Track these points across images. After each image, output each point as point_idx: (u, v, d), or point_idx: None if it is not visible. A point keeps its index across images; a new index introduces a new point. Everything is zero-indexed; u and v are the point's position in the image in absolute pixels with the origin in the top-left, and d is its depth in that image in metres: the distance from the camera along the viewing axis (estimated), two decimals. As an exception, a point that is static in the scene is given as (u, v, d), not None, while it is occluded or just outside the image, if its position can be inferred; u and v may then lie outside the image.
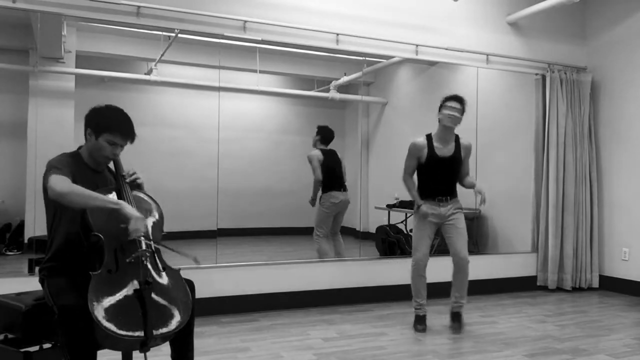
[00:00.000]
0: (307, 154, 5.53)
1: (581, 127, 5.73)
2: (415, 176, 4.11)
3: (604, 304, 5.13)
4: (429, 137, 4.04)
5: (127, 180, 2.52)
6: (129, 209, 2.30)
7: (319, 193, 5.44)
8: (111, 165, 2.58)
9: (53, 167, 2.32)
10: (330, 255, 5.34)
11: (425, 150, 3.99)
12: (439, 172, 4.01)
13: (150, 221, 2.47)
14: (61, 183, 2.22)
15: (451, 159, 3.99)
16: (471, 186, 4.07)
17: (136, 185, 2.58)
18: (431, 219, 4.00)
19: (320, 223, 5.44)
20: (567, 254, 5.58)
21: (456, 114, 3.92)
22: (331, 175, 5.50)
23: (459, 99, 3.98)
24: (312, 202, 5.45)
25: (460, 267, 3.98)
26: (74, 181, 2.34)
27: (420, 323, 4.09)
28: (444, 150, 3.99)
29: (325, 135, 5.62)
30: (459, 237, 3.97)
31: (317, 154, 5.50)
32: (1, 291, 2.69)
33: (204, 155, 5.04)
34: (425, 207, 3.98)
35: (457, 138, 4.06)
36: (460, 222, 4.01)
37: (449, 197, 4.02)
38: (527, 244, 5.81)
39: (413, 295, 4.12)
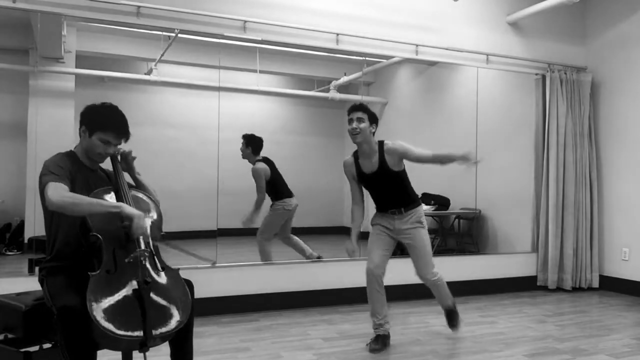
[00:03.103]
0: (253, 168, 5.33)
1: (581, 127, 5.73)
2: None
3: (604, 304, 5.13)
4: (355, 153, 3.66)
5: (119, 159, 2.54)
6: (129, 209, 2.30)
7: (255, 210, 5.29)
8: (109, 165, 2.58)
9: (50, 172, 2.29)
10: (272, 256, 5.23)
11: (354, 169, 3.65)
12: (376, 188, 3.65)
13: (148, 221, 2.47)
14: (58, 195, 2.19)
15: (378, 174, 3.56)
16: (451, 159, 3.50)
17: (129, 161, 2.59)
18: (385, 232, 3.67)
19: (267, 228, 5.31)
20: (567, 254, 5.58)
21: (354, 126, 3.49)
22: (281, 183, 5.38)
23: (357, 107, 3.55)
24: (249, 222, 5.23)
25: (429, 285, 3.75)
26: (73, 182, 2.33)
27: (375, 342, 3.61)
28: (369, 165, 3.58)
29: (257, 145, 5.40)
30: (418, 258, 3.65)
31: (263, 168, 5.27)
32: (1, 291, 2.69)
33: (204, 155, 5.04)
34: (350, 245, 3.63)
35: (380, 147, 3.56)
36: (418, 240, 3.62)
37: (402, 209, 3.61)
38: (527, 244, 5.81)
39: (370, 313, 3.70)
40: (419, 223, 3.64)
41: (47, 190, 2.22)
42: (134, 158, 2.61)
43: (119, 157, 2.56)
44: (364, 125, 3.50)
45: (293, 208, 5.41)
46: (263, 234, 5.30)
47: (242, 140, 5.42)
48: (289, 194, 5.42)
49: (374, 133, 3.59)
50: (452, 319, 3.91)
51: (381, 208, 3.70)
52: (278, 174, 5.42)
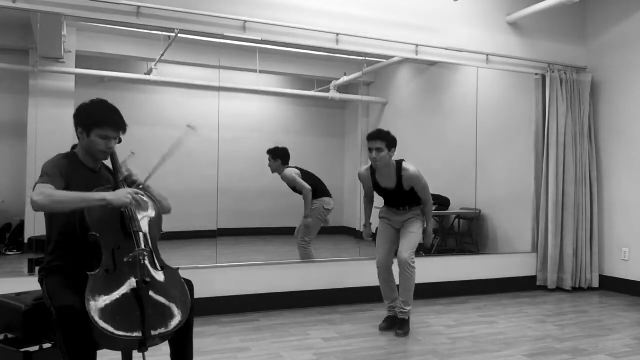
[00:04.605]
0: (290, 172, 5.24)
1: (581, 127, 5.73)
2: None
3: (604, 304, 5.13)
4: (371, 167, 4.00)
5: (121, 179, 2.46)
6: (110, 195, 2.25)
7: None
8: (109, 163, 2.56)
9: (43, 174, 2.28)
10: (314, 256, 5.16)
11: (370, 181, 4.03)
12: (390, 197, 4.05)
13: (147, 220, 2.46)
14: (39, 194, 2.15)
15: (396, 190, 3.95)
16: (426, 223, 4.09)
17: (133, 183, 2.50)
18: (390, 224, 4.10)
19: (310, 231, 5.18)
20: (567, 253, 5.58)
21: (374, 156, 3.79)
22: (318, 182, 5.29)
23: (376, 135, 3.80)
24: (308, 218, 5.13)
25: (401, 268, 3.91)
26: (68, 184, 2.31)
27: (385, 322, 4.10)
28: (386, 181, 3.96)
29: (284, 155, 5.28)
30: (405, 239, 3.96)
31: (291, 170, 5.22)
32: (1, 291, 2.69)
33: (204, 155, 5.04)
34: (366, 231, 4.27)
35: (399, 168, 3.89)
36: (413, 227, 3.99)
37: (407, 207, 4.04)
38: (527, 244, 5.81)
39: (383, 296, 4.14)
40: (418, 215, 4.08)
41: (33, 192, 2.19)
42: (137, 183, 2.51)
43: (121, 178, 2.48)
44: (383, 154, 3.80)
45: (332, 208, 5.31)
46: (305, 237, 5.16)
47: (268, 156, 5.29)
48: (327, 194, 5.32)
49: (392, 156, 3.88)
50: (402, 326, 3.98)
51: (389, 205, 4.13)
52: (312, 175, 5.32)
